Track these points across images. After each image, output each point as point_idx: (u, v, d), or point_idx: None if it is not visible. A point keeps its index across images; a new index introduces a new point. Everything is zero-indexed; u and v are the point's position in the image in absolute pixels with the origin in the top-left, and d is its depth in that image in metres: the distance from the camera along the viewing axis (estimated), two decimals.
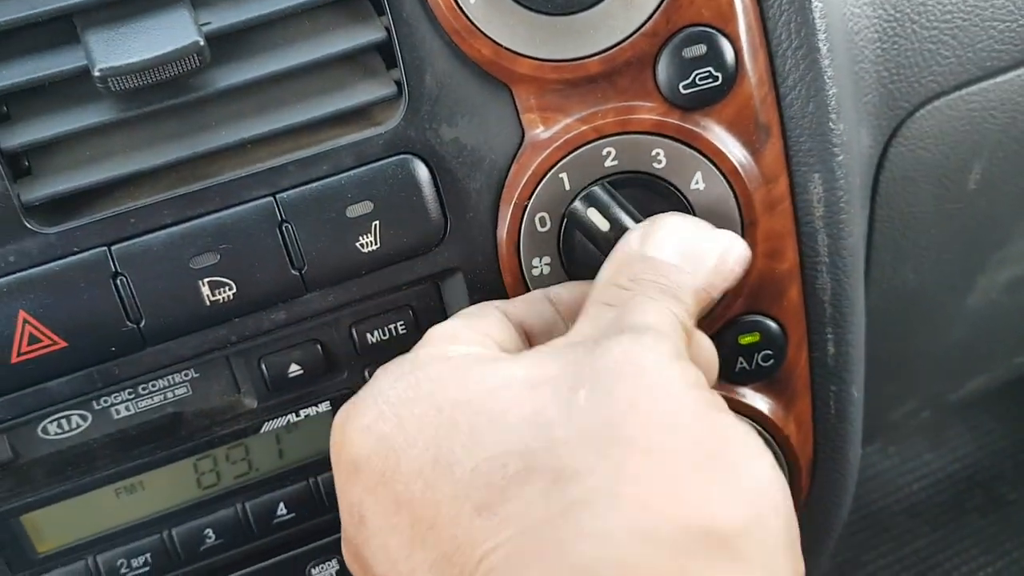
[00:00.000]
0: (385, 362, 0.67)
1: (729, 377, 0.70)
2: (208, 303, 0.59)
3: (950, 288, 1.01)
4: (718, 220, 0.65)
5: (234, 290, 0.60)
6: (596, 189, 0.64)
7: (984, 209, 0.93)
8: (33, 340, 0.57)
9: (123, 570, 0.67)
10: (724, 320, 0.68)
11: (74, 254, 0.57)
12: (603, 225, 0.64)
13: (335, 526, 0.71)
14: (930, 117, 0.84)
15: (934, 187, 0.89)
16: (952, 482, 2.16)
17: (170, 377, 0.65)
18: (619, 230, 0.63)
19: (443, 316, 0.67)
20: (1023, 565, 1.99)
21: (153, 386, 0.65)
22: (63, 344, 0.57)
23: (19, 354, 0.57)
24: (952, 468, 2.18)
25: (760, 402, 0.71)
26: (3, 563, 0.65)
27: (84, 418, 0.65)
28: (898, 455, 2.20)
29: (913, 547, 2.08)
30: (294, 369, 0.66)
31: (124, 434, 0.65)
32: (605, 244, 0.64)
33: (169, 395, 0.66)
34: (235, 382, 0.66)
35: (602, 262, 0.65)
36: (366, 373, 0.68)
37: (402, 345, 0.67)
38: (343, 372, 0.67)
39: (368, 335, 0.66)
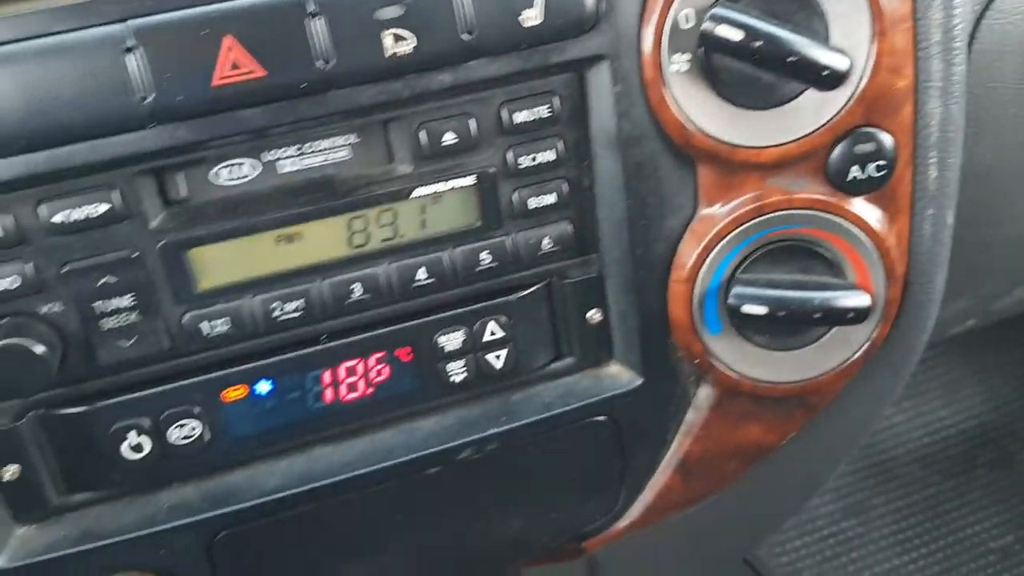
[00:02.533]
0: (526, 145, 0.73)
1: (840, 186, 0.76)
2: (388, 54, 0.65)
3: (1021, 176, 1.06)
4: (852, 27, 0.70)
5: (413, 44, 0.65)
6: (716, 9, 0.69)
7: None
8: (235, 66, 0.63)
9: (276, 313, 0.72)
10: (844, 128, 0.73)
11: None
12: (736, 35, 0.69)
13: (467, 299, 0.77)
14: None
15: (1019, 64, 0.95)
16: (964, 437, 2.21)
17: (333, 139, 0.71)
18: (753, 35, 0.69)
19: (583, 107, 0.73)
20: None
21: (317, 146, 0.71)
22: (262, 73, 0.63)
23: (221, 77, 0.62)
24: (965, 424, 2.24)
25: (867, 212, 0.76)
26: (170, 295, 0.70)
27: (254, 167, 0.70)
28: (912, 409, 2.26)
29: (923, 494, 2.12)
30: (448, 139, 0.71)
31: (288, 187, 0.71)
32: (744, 52, 0.69)
33: (330, 156, 0.71)
34: (391, 150, 0.72)
35: (744, 68, 0.70)
36: (509, 154, 0.73)
37: (543, 128, 0.73)
38: (489, 149, 0.73)
39: (515, 115, 0.72)
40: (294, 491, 0.76)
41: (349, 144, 0.72)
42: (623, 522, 0.87)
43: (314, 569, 0.80)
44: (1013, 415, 2.27)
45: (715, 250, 0.76)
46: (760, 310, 0.75)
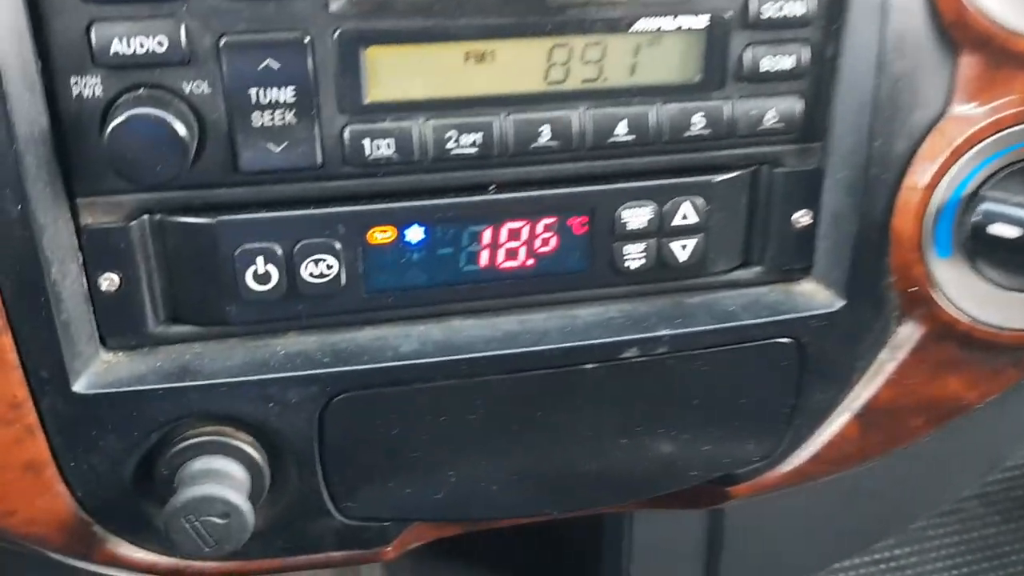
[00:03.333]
0: None
1: None
2: None
3: None
4: None
5: None
6: None
7: None
8: None
9: (449, 144, 0.61)
10: None
11: None
12: None
13: (659, 173, 0.65)
14: None
15: None
16: None
17: None
18: None
19: None
20: None
21: None
22: None
23: None
24: None
25: None
26: (335, 100, 0.59)
27: None
28: None
29: (981, 533, 2.05)
30: None
31: None
32: None
33: None
34: None
35: None
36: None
37: None
38: None
39: None
40: (430, 360, 0.64)
41: None
42: (780, 469, 0.75)
43: (428, 455, 0.68)
44: None
45: (965, 157, 0.64)
46: (1012, 232, 0.63)
